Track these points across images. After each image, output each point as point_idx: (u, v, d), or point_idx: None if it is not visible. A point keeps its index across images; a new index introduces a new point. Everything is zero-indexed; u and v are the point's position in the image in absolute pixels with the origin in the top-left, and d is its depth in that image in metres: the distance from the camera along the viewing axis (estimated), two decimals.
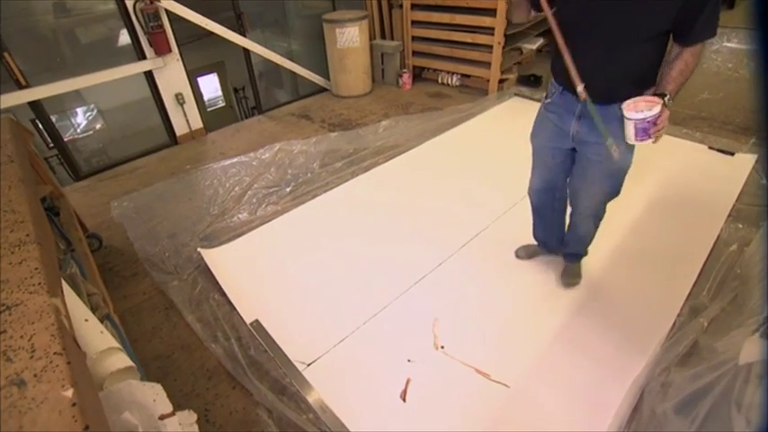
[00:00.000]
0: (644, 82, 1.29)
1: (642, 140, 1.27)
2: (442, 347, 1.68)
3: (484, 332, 1.75)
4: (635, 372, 1.52)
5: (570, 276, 1.95)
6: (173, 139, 3.62)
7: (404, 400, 1.51)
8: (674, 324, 1.68)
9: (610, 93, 1.30)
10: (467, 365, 1.61)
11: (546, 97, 1.52)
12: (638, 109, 1.22)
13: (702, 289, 1.83)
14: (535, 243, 2.09)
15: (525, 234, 2.16)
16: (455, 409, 1.48)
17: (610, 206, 1.72)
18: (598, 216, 1.69)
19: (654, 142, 1.26)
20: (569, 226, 1.83)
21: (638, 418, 1.34)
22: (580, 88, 1.26)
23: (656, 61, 1.27)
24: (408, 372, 1.60)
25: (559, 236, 1.98)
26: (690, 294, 1.83)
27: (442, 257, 2.13)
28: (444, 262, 2.11)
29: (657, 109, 1.21)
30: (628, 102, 1.25)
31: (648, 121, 1.22)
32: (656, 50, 1.24)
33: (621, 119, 1.29)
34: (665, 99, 1.22)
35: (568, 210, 1.79)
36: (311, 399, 1.51)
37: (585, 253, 1.91)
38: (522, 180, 2.63)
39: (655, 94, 1.24)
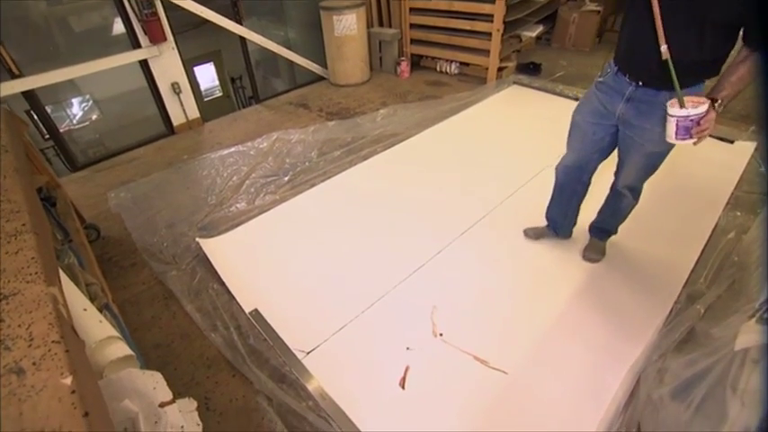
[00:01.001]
0: (699, 72, 1.25)
1: (683, 140, 1.21)
2: (441, 335, 1.69)
3: (482, 319, 1.76)
4: (632, 358, 1.54)
5: (594, 252, 1.99)
6: (169, 128, 3.58)
7: (403, 387, 1.52)
8: (671, 311, 1.69)
9: (663, 76, 1.25)
10: (465, 353, 1.62)
11: (600, 75, 1.52)
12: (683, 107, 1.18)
13: (700, 276, 1.84)
14: (544, 225, 2.10)
15: (523, 223, 2.18)
16: (454, 396, 1.49)
17: (604, 193, 1.79)
18: (636, 190, 1.71)
19: (695, 143, 1.22)
20: (608, 199, 1.85)
21: (635, 404, 1.35)
22: (664, 48, 1.18)
23: (720, 55, 1.21)
24: (407, 359, 1.61)
25: (571, 221, 2.01)
26: (687, 281, 1.84)
27: (440, 246, 2.13)
28: (443, 250, 2.11)
29: (703, 108, 1.16)
30: (673, 100, 1.21)
31: (692, 120, 1.17)
32: (721, 43, 1.18)
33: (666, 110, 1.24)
34: (716, 104, 1.19)
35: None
36: (311, 386, 1.52)
37: (615, 231, 1.95)
38: (520, 168, 2.70)
39: (708, 98, 1.21)
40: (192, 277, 2.03)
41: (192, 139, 3.48)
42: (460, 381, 1.54)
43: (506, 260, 2.05)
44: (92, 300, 1.33)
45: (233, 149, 3.13)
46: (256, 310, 1.82)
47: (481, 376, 1.54)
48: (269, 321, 1.77)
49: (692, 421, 1.06)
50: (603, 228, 1.96)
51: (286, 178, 2.76)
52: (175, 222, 2.42)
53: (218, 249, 2.17)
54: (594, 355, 1.59)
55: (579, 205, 1.92)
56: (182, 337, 1.77)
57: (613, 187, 1.77)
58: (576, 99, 3.11)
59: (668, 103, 1.22)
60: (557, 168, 1.83)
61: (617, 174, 1.70)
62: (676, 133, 1.22)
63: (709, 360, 1.12)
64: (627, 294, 1.83)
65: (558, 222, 2.04)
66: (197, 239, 2.22)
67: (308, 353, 1.65)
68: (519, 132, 3.18)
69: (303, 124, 3.46)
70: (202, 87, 6.15)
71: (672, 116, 1.21)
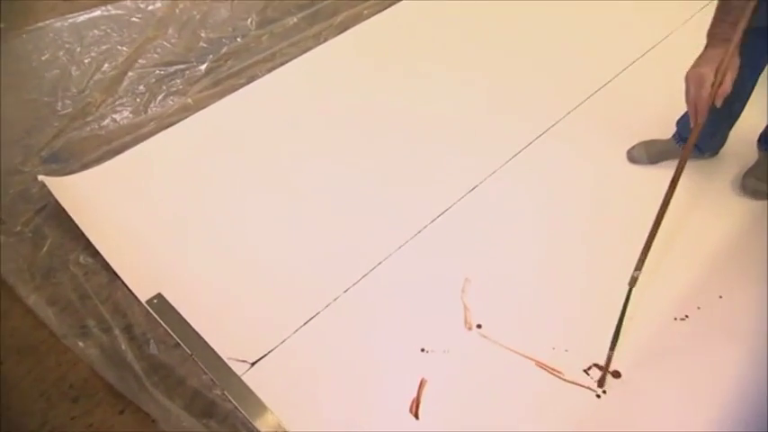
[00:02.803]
0: None
1: None
2: (479, 327, 1.70)
3: (548, 301, 1.76)
4: None
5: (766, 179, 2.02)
6: None
7: (416, 415, 1.52)
8: None
9: None
10: (520, 355, 1.62)
11: None
12: None
13: None
14: (669, 137, 2.13)
15: (622, 137, 2.21)
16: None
17: None
18: None
19: None
20: None
21: None
22: None
23: None
24: (422, 369, 1.60)
25: (727, 129, 2.03)
26: None
27: (473, 180, 2.14)
28: (478, 186, 2.12)
29: None
30: None
31: None
32: None
33: None
34: None
35: None
36: (259, 420, 1.50)
37: None
38: (618, 43, 2.67)
39: None
40: (35, 246, 1.99)
41: None
42: (514, 403, 1.53)
43: (589, 199, 2.07)
44: None
45: (97, 13, 3.04)
46: (160, 297, 1.80)
47: (552, 396, 1.54)
48: (183, 314, 1.75)
49: None
50: None
51: (203, 67, 2.75)
52: None
53: (83, 195, 2.13)
54: (754, 360, 1.59)
55: (749, 96, 1.88)
56: (19, 351, 1.74)
57: None
58: None
59: None
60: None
61: None
62: None
63: None
64: None
65: (706, 132, 1.98)
66: (40, 178, 2.15)
67: (254, 364, 1.63)
68: None
69: None
70: None
71: None
